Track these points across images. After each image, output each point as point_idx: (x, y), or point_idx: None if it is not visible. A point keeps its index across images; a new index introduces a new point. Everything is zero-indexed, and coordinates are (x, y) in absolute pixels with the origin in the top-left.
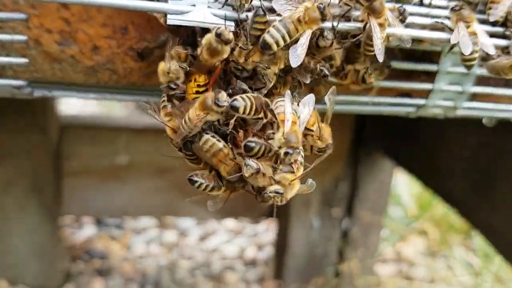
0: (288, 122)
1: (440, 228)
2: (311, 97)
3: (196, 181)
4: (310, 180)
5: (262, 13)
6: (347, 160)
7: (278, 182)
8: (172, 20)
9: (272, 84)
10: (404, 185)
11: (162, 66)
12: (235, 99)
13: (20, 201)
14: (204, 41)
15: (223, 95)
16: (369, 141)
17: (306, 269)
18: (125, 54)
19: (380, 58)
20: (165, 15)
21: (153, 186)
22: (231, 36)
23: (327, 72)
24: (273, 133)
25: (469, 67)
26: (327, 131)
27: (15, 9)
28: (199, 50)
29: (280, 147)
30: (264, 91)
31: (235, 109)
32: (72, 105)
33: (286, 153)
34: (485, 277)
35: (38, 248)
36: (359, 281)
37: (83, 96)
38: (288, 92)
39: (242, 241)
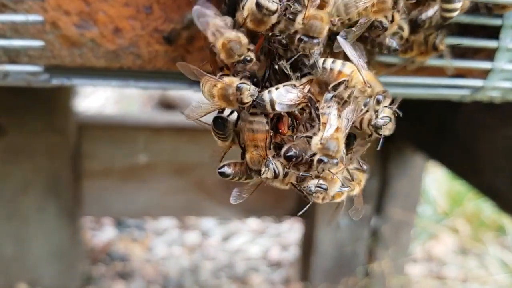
0: (331, 127)
1: (472, 225)
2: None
3: (228, 175)
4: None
5: None
6: (375, 156)
7: (320, 176)
8: None
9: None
10: (433, 181)
11: (224, 40)
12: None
13: (39, 202)
14: (245, 10)
15: None
16: (400, 136)
17: (334, 269)
18: (150, 36)
19: None
20: None
21: (174, 185)
22: (274, 6)
23: (396, 46)
24: (310, 137)
25: None
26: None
27: None
28: (239, 18)
29: (315, 153)
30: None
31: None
32: (90, 106)
33: (319, 161)
34: None
35: (57, 250)
36: (392, 282)
37: (105, 83)
38: (330, 96)
39: (266, 241)
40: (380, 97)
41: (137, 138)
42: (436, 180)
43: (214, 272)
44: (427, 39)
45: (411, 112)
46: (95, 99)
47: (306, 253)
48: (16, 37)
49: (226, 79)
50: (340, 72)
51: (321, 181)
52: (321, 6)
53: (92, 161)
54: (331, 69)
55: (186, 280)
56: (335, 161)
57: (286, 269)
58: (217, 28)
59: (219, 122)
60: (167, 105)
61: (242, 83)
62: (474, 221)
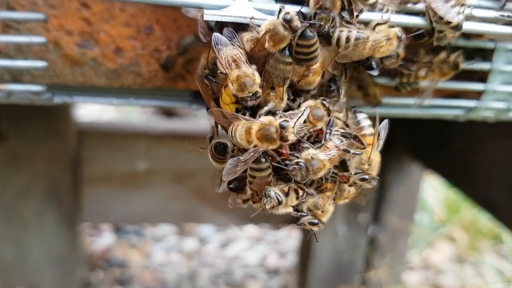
0: (330, 154)
1: (468, 233)
2: None
3: (237, 190)
4: None
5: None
6: None
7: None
8: (209, 15)
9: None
10: (430, 190)
11: (240, 73)
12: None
13: (38, 209)
14: (267, 26)
15: None
16: (398, 145)
17: (331, 277)
18: (150, 56)
19: None
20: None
21: (173, 192)
22: (299, 23)
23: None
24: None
25: None
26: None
27: (32, 9)
28: (246, 40)
29: (300, 160)
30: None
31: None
32: (90, 111)
33: (297, 164)
34: None
35: (56, 255)
36: None
37: (106, 101)
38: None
39: (263, 248)
40: (366, 177)
41: (137, 145)
42: (433, 189)
43: (212, 278)
44: (447, 60)
45: (409, 122)
46: (94, 107)
47: (304, 260)
48: (19, 56)
49: (264, 119)
50: (364, 135)
51: (313, 220)
52: None
53: (92, 167)
54: (359, 122)
55: (184, 287)
56: (308, 178)
57: (284, 276)
58: (234, 59)
59: (220, 148)
60: (166, 112)
61: (284, 121)
62: (470, 230)
